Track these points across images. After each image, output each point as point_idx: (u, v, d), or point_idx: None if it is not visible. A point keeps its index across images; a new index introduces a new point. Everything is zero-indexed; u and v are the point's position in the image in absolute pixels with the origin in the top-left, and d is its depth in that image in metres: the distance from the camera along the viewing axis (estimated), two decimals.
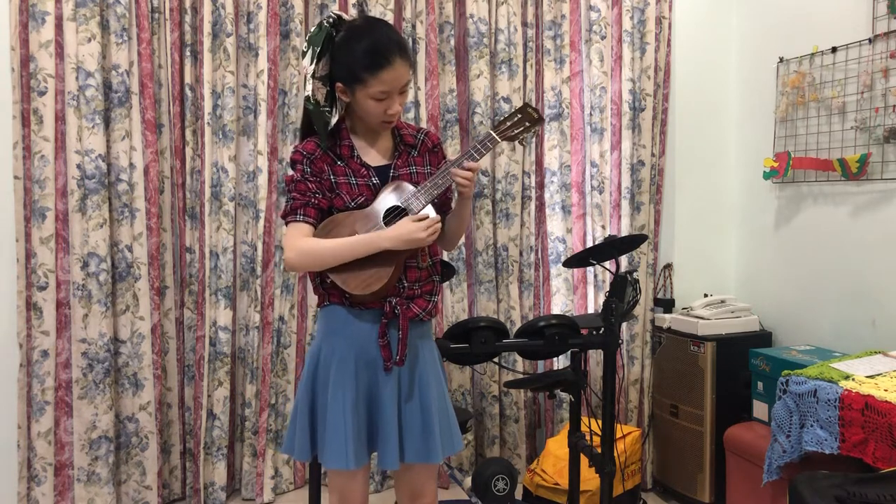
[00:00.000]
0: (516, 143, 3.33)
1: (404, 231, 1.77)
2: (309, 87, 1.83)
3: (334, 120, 1.90)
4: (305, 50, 1.82)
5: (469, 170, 1.84)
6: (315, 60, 1.80)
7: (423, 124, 3.28)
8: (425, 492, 1.99)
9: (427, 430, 1.85)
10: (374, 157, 1.90)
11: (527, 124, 1.92)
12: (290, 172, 1.89)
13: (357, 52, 1.76)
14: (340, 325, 1.86)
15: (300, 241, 1.82)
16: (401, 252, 1.81)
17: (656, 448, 3.34)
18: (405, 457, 1.85)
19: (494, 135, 1.88)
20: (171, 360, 3.18)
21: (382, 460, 1.84)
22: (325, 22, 1.81)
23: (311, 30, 1.84)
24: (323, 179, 1.85)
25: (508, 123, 1.91)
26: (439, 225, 1.82)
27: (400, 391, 1.86)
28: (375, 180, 1.87)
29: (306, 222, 1.83)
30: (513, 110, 1.93)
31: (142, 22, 3.00)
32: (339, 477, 1.89)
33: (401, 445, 1.84)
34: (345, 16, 1.84)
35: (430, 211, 1.85)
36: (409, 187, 1.85)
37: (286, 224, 1.86)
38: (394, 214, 1.85)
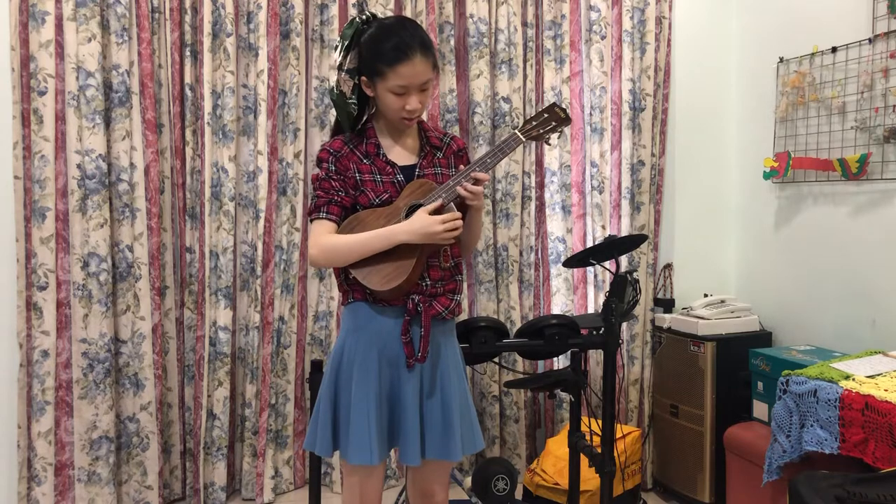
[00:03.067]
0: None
1: (420, 224, 1.78)
2: (333, 78, 1.89)
3: (366, 116, 1.95)
4: (338, 44, 1.88)
5: (477, 181, 1.83)
6: (344, 53, 1.85)
7: None
8: (437, 490, 2.00)
9: (448, 427, 1.86)
10: (399, 155, 1.92)
11: (553, 124, 1.90)
12: (317, 171, 1.92)
13: (380, 45, 1.80)
14: (364, 322, 1.87)
15: (322, 238, 1.84)
16: (421, 248, 1.82)
17: (656, 448, 3.34)
18: (426, 453, 1.86)
19: (519, 135, 1.88)
20: (172, 360, 3.18)
21: (404, 456, 1.85)
22: (357, 18, 1.87)
23: (344, 25, 1.90)
24: (347, 177, 1.87)
25: (534, 123, 1.90)
26: (458, 222, 1.81)
27: (422, 388, 1.87)
28: (400, 177, 1.88)
29: (329, 220, 1.86)
30: (539, 109, 1.92)
31: (142, 22, 3.00)
32: (359, 473, 1.89)
33: (422, 442, 1.85)
34: (379, 15, 1.90)
35: (451, 207, 1.84)
36: (433, 186, 1.86)
37: (310, 222, 1.89)
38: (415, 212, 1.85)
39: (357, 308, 1.89)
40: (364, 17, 1.87)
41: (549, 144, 3.24)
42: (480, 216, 1.97)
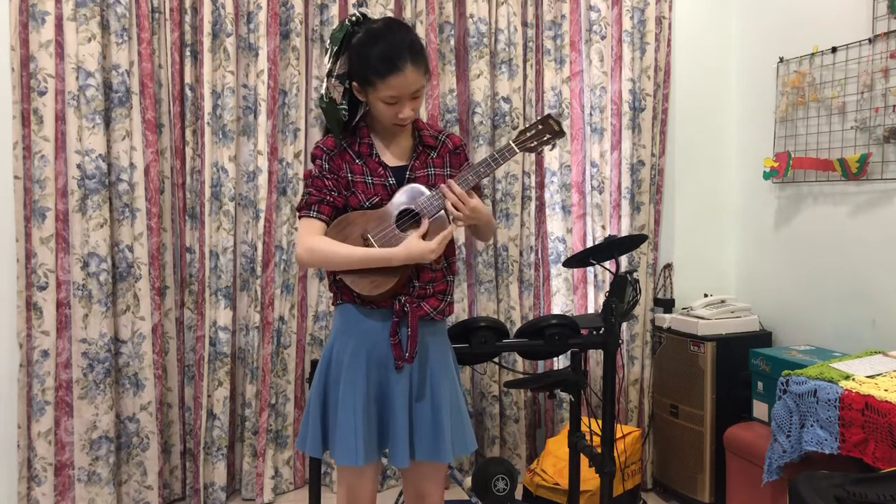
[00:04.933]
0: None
1: (415, 252, 1.79)
2: (323, 84, 1.86)
3: (359, 116, 1.92)
4: (327, 48, 1.85)
5: (459, 198, 1.82)
6: (333, 59, 1.83)
7: None
8: (431, 491, 2.00)
9: (438, 428, 1.86)
10: (392, 156, 1.91)
11: (547, 136, 1.92)
12: (310, 167, 1.90)
13: (369, 55, 1.77)
14: (352, 323, 1.87)
15: (313, 240, 1.83)
16: None
17: (656, 448, 3.34)
18: (415, 454, 1.85)
19: (514, 146, 1.90)
20: (172, 360, 3.18)
21: (392, 458, 1.85)
22: (347, 20, 1.83)
23: (334, 28, 1.87)
24: (340, 177, 1.86)
25: (528, 135, 1.92)
26: (451, 236, 1.84)
27: (411, 389, 1.87)
28: (392, 181, 1.87)
29: (319, 219, 1.85)
30: (534, 121, 1.93)
31: (142, 22, 3.00)
32: (349, 473, 1.90)
33: (411, 443, 1.85)
34: (369, 14, 1.85)
35: (442, 216, 1.85)
36: (425, 190, 1.85)
37: (299, 217, 1.88)
38: (407, 217, 1.85)
39: (345, 310, 1.89)
40: (353, 18, 1.82)
41: (541, 155, 3.24)
42: (483, 219, 1.92)
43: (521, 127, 1.97)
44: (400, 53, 1.75)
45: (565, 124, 3.40)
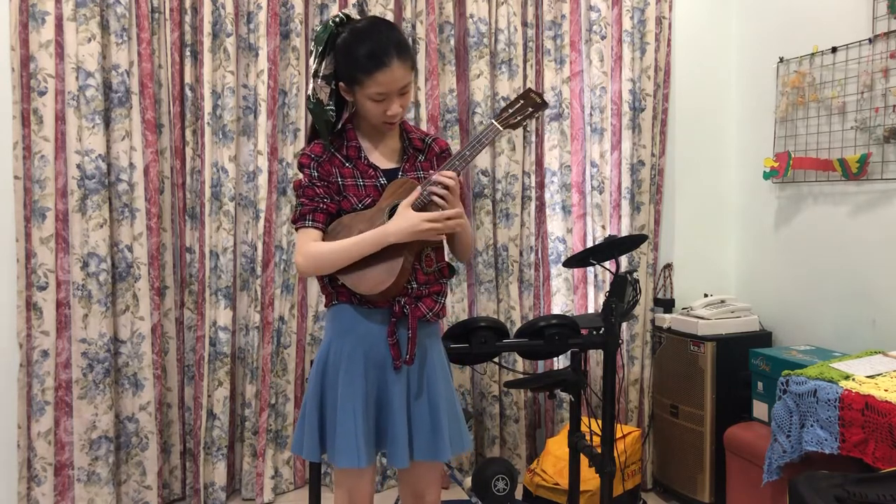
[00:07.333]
0: (519, 139, 3.33)
1: (407, 223, 1.77)
2: (310, 85, 1.84)
3: (345, 117, 1.91)
4: (312, 49, 1.84)
5: (444, 185, 1.78)
6: (319, 59, 1.82)
7: (423, 124, 3.28)
8: (429, 490, 2.00)
9: (436, 428, 1.86)
10: (381, 158, 1.90)
11: (530, 110, 1.88)
12: (299, 176, 1.89)
13: (355, 53, 1.76)
14: (349, 325, 1.86)
15: (309, 247, 1.82)
16: (408, 249, 1.81)
17: (656, 448, 3.34)
18: (414, 454, 1.85)
19: (496, 124, 1.85)
20: (171, 360, 3.18)
21: (392, 458, 1.84)
22: (331, 21, 1.82)
23: (318, 28, 1.85)
24: (330, 182, 1.85)
25: (511, 110, 1.87)
26: (447, 213, 1.79)
27: (409, 390, 1.86)
28: (383, 181, 1.86)
29: (315, 228, 1.84)
30: (515, 96, 1.89)
31: (142, 22, 3.01)
32: (349, 476, 1.89)
33: (410, 443, 1.85)
34: (353, 15, 1.84)
35: (434, 202, 1.81)
36: (415, 185, 1.84)
37: (296, 230, 1.87)
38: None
39: (342, 310, 1.87)
40: (337, 19, 1.82)
41: (542, 156, 3.22)
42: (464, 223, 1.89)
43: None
44: (386, 49, 1.75)
45: (565, 124, 3.40)
